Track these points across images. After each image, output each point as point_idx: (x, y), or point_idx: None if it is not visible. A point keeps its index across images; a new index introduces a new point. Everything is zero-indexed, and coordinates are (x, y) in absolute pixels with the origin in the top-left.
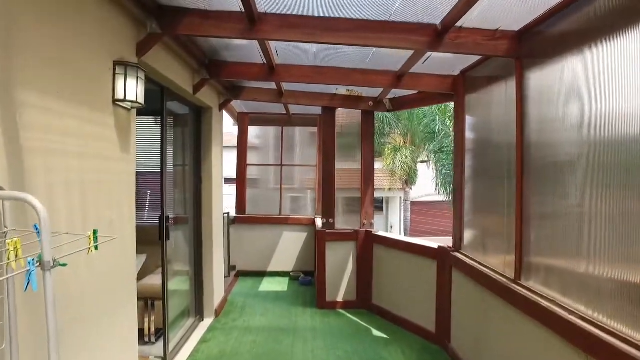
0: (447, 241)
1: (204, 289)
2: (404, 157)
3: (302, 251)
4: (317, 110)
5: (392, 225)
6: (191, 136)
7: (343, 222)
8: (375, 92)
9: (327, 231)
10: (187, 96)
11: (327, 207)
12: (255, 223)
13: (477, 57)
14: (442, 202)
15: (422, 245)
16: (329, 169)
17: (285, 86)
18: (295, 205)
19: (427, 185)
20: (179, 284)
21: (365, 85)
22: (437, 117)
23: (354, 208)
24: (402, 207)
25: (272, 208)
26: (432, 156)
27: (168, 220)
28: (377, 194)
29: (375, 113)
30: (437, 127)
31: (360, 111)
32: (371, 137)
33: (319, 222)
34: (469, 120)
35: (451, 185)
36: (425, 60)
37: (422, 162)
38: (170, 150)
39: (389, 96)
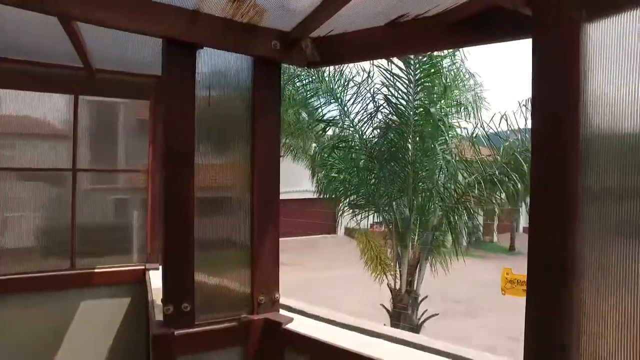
0: None
1: None
2: None
3: (118, 338)
4: (148, 64)
5: None
6: None
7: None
8: (289, 16)
9: (176, 333)
10: None
11: (176, 278)
12: (14, 291)
13: None
14: (300, 200)
15: None
16: (180, 184)
17: None
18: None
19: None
20: None
21: None
22: (338, 98)
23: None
24: None
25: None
26: (320, 153)
27: None
28: (225, 193)
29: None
30: (330, 114)
31: (252, 61)
32: (275, 111)
33: (154, 280)
34: (605, 75)
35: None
36: None
37: None
38: None
39: (320, 32)
